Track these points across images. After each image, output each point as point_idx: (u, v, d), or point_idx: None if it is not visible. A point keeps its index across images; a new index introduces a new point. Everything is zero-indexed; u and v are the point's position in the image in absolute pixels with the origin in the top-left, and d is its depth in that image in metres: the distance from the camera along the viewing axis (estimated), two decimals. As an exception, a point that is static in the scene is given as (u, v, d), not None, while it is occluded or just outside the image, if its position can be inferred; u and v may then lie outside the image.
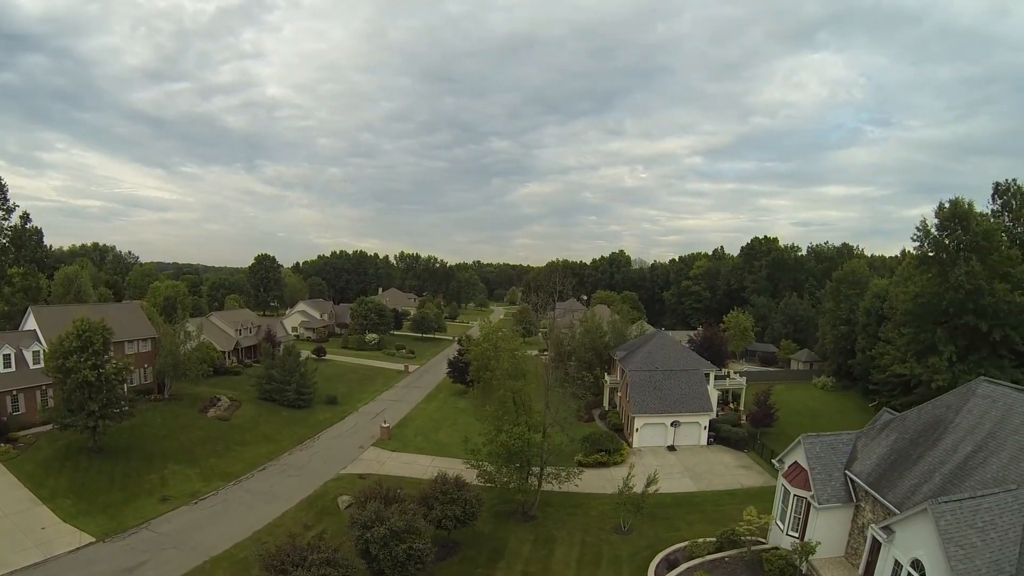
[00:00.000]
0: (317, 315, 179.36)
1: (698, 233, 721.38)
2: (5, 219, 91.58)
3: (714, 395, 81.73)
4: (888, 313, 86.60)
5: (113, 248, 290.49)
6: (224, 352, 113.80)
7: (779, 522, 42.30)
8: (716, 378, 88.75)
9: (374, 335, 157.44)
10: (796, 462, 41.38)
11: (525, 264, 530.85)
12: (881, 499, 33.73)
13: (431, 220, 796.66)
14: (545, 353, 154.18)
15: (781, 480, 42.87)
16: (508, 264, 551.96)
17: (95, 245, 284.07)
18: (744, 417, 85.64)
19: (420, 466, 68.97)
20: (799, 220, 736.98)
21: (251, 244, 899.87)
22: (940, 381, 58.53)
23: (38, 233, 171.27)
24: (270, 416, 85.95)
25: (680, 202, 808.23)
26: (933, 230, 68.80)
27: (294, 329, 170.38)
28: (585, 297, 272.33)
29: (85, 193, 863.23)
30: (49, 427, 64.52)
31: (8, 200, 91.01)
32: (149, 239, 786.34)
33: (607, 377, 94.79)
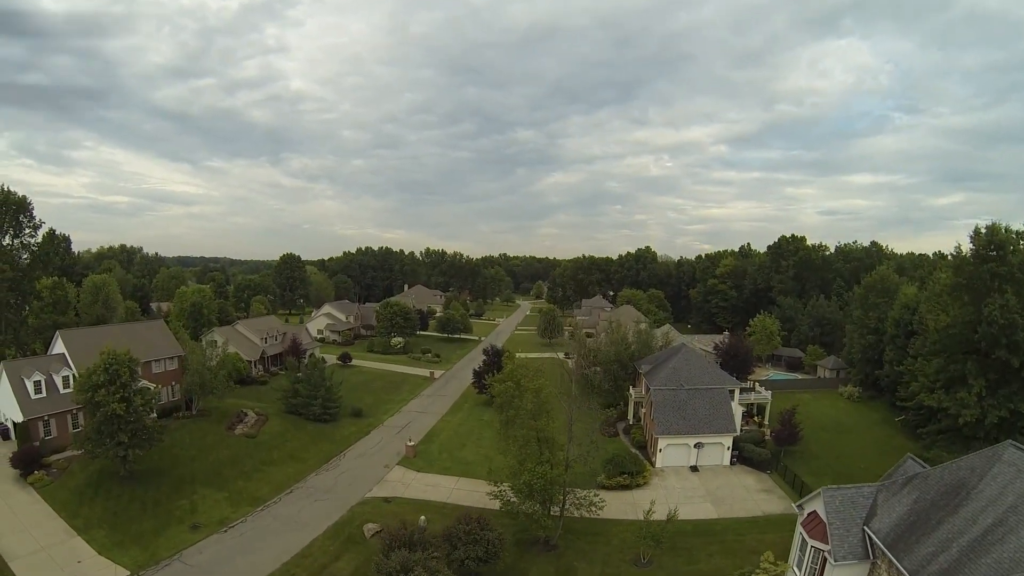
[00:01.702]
0: (343, 317, 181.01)
1: (724, 222, 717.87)
2: (32, 236, 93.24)
3: (738, 412, 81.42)
4: (918, 329, 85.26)
5: (140, 249, 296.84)
6: (250, 361, 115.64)
7: (796, 568, 42.29)
8: (741, 391, 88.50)
9: (399, 339, 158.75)
10: (815, 512, 41.20)
11: (551, 257, 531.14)
12: (897, 563, 33.56)
13: (456, 210, 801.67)
14: (570, 356, 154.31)
15: (799, 528, 42.74)
16: (534, 256, 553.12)
17: (122, 247, 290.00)
18: (768, 433, 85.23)
19: (444, 488, 69.83)
20: (825, 209, 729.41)
21: (277, 237, 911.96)
22: (968, 416, 57.54)
23: (66, 241, 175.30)
24: (296, 432, 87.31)
25: (706, 191, 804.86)
26: (969, 255, 67.09)
27: (320, 332, 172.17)
28: (612, 293, 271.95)
29: (113, 189, 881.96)
30: (82, 451, 66.29)
31: (35, 218, 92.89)
32: (177, 233, 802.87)
33: (632, 390, 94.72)
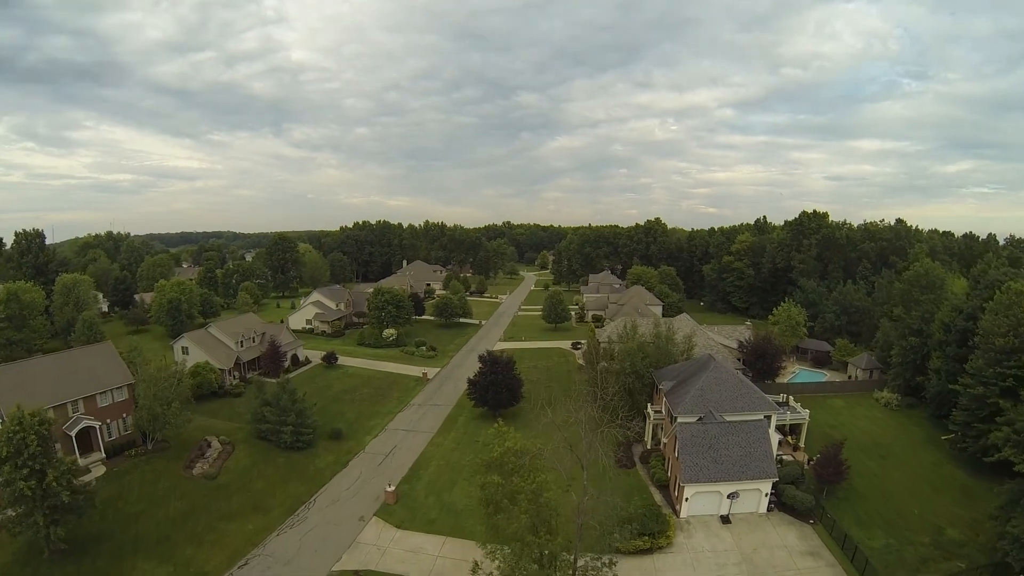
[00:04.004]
0: (333, 305, 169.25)
1: (729, 186, 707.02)
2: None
3: (774, 440, 70.15)
4: (980, 344, 73.21)
5: (128, 236, 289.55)
6: (223, 370, 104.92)
7: None
8: (778, 404, 77.62)
9: (392, 331, 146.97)
10: None
11: (556, 224, 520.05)
12: None
13: (460, 176, 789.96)
14: (578, 346, 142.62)
15: None
16: (539, 225, 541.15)
17: (109, 234, 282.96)
18: (806, 462, 74.30)
19: (427, 556, 58.68)
20: (832, 174, 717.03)
21: (281, 208, 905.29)
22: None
23: (40, 237, 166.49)
24: (264, 466, 76.87)
25: (710, 155, 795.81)
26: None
27: (308, 322, 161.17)
28: (620, 267, 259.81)
29: (115, 168, 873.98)
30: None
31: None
32: (180, 208, 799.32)
33: (650, 408, 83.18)
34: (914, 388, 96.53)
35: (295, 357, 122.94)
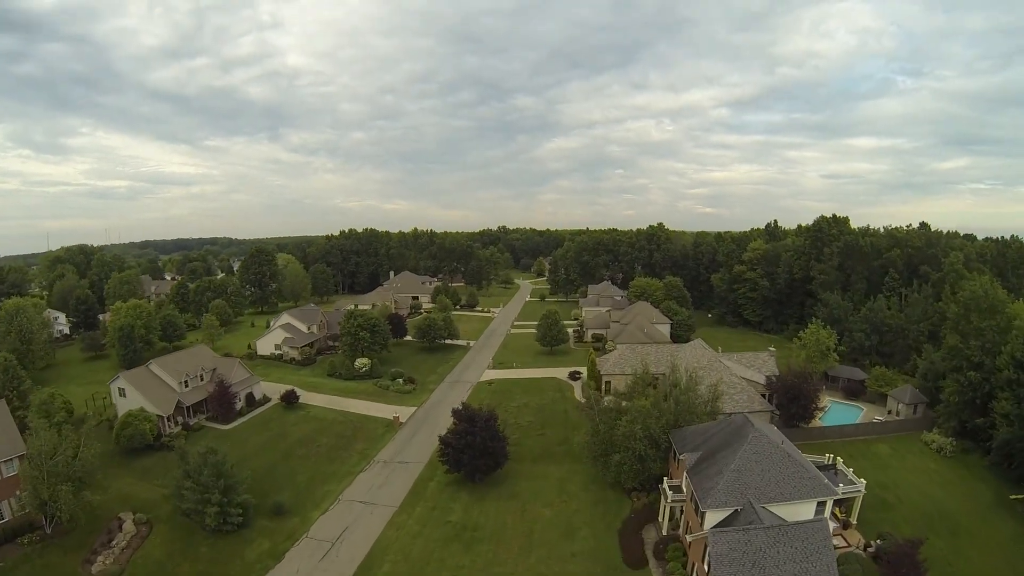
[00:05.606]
0: (304, 328, 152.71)
1: (725, 185, 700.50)
2: None
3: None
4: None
5: (100, 250, 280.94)
6: (161, 417, 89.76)
7: None
8: (822, 468, 62.75)
9: (365, 360, 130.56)
10: None
11: (553, 228, 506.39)
12: None
13: (457, 179, 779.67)
14: (578, 376, 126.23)
15: None
16: (535, 229, 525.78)
17: (80, 247, 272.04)
18: (863, 548, 59.00)
19: None
20: (828, 172, 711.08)
21: (277, 213, 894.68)
22: None
23: None
24: (181, 559, 61.60)
25: (707, 155, 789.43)
26: None
27: (277, 347, 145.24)
28: (621, 276, 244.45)
29: (111, 174, 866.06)
30: None
31: None
32: (177, 214, 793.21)
33: (667, 483, 66.22)
34: (970, 430, 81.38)
35: (250, 396, 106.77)
